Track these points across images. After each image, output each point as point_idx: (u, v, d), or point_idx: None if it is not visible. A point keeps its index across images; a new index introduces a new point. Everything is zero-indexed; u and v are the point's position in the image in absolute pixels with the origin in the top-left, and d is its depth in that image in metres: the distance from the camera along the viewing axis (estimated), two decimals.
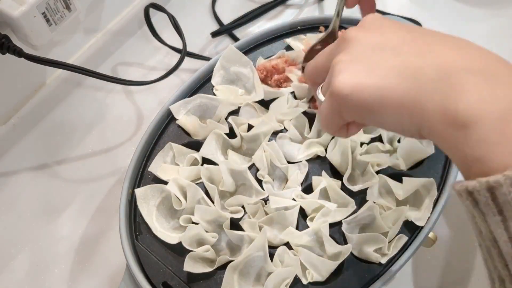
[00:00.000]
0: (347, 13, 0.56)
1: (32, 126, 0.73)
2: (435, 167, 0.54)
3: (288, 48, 0.66)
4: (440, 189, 0.52)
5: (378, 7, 0.79)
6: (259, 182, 0.55)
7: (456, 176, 0.52)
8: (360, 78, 0.32)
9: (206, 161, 0.58)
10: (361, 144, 0.55)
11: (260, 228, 0.52)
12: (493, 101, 0.28)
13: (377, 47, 0.33)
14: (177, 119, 0.61)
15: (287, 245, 0.51)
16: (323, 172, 0.54)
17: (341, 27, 0.66)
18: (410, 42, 0.32)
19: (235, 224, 0.53)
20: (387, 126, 0.34)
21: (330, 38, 0.56)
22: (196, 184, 0.55)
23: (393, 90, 0.31)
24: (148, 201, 0.56)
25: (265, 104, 0.61)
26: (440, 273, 0.58)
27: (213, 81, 0.63)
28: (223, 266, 0.50)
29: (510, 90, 0.28)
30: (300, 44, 0.66)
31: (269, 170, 0.56)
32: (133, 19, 0.80)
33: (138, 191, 0.56)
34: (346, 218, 0.51)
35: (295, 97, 0.61)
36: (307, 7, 0.83)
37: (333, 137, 0.56)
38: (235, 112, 0.61)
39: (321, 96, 0.39)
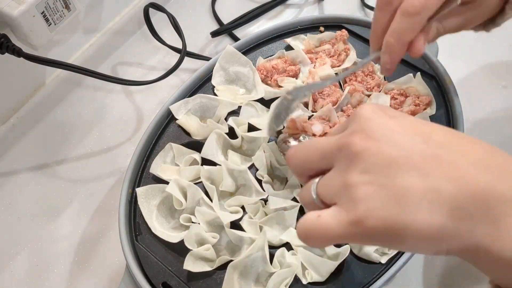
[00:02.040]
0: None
1: (31, 126, 0.73)
2: None
3: (288, 48, 0.66)
4: None
5: None
6: (259, 182, 0.55)
7: None
8: (392, 213, 0.28)
9: (205, 161, 0.57)
10: None
11: (261, 228, 0.52)
12: None
13: (396, 164, 0.29)
14: (177, 119, 0.61)
15: (287, 245, 0.51)
16: None
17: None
18: (433, 159, 0.29)
19: (235, 224, 0.53)
20: (408, 250, 0.31)
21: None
22: (196, 184, 0.55)
23: (427, 224, 0.28)
24: (149, 201, 0.56)
25: (265, 103, 0.61)
26: (440, 273, 0.57)
27: (213, 82, 0.63)
28: (223, 266, 0.50)
29: None
30: (300, 44, 0.66)
31: (268, 170, 0.56)
32: (133, 18, 0.80)
33: (139, 190, 0.56)
34: None
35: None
36: (307, 7, 0.83)
37: None
38: (235, 112, 0.61)
39: (316, 198, 0.32)
